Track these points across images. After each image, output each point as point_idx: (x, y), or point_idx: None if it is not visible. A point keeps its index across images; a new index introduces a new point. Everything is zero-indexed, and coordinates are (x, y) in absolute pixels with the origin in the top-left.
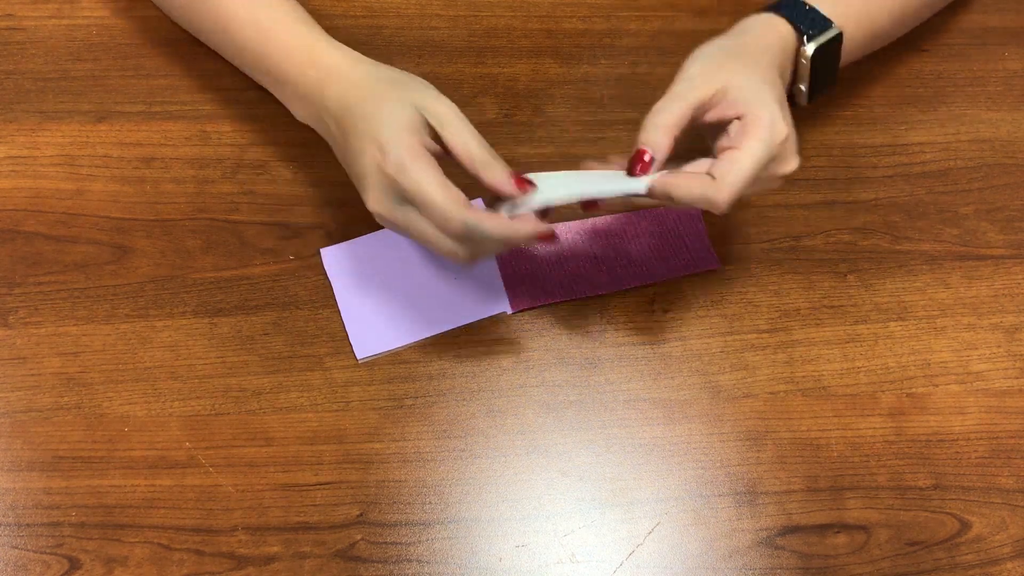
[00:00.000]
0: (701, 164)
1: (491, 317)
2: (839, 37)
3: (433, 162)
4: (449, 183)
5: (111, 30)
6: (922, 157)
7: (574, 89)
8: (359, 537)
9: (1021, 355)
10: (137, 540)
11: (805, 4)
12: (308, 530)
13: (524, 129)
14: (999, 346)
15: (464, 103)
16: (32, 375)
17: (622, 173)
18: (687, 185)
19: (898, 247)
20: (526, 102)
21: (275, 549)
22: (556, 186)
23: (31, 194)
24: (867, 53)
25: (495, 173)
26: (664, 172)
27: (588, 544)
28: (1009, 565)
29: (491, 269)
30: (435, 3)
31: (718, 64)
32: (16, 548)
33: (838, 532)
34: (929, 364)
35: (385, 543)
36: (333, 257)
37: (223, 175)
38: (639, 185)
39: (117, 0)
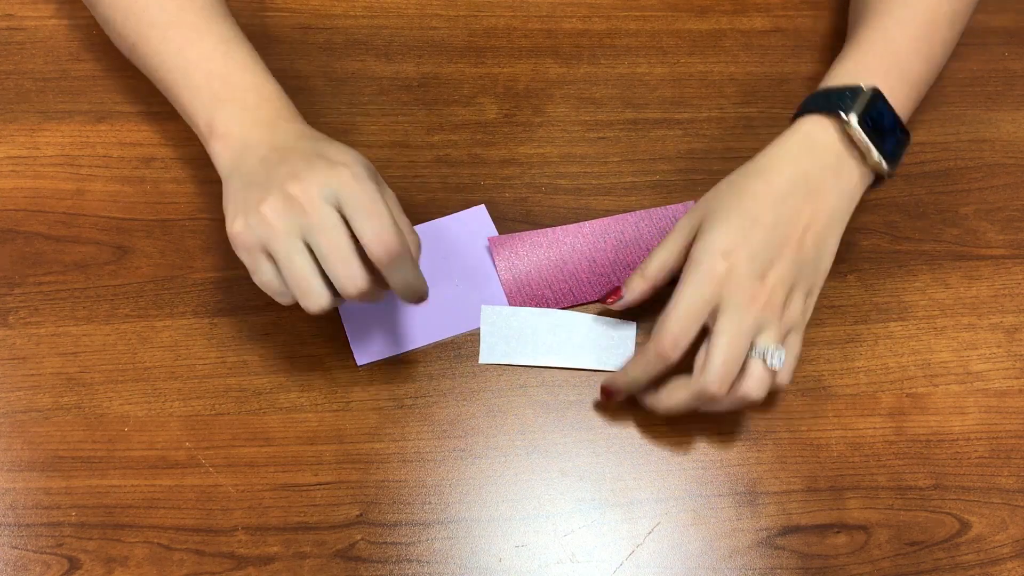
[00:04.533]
0: None
1: None
2: (878, 94)
3: None
4: None
5: None
6: (922, 157)
7: (574, 89)
8: (359, 537)
9: (1021, 355)
10: (137, 540)
11: (825, 90)
12: (308, 530)
13: (524, 129)
14: (999, 346)
15: (464, 103)
16: (32, 375)
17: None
18: (635, 365)
19: (898, 247)
20: (526, 102)
21: (275, 549)
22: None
23: (31, 194)
24: (920, 98)
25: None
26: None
27: (588, 544)
28: (1009, 565)
29: (492, 276)
30: (435, 3)
31: (711, 199)
32: (16, 548)
33: (838, 532)
34: (929, 364)
35: (385, 543)
36: None
37: None
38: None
39: None
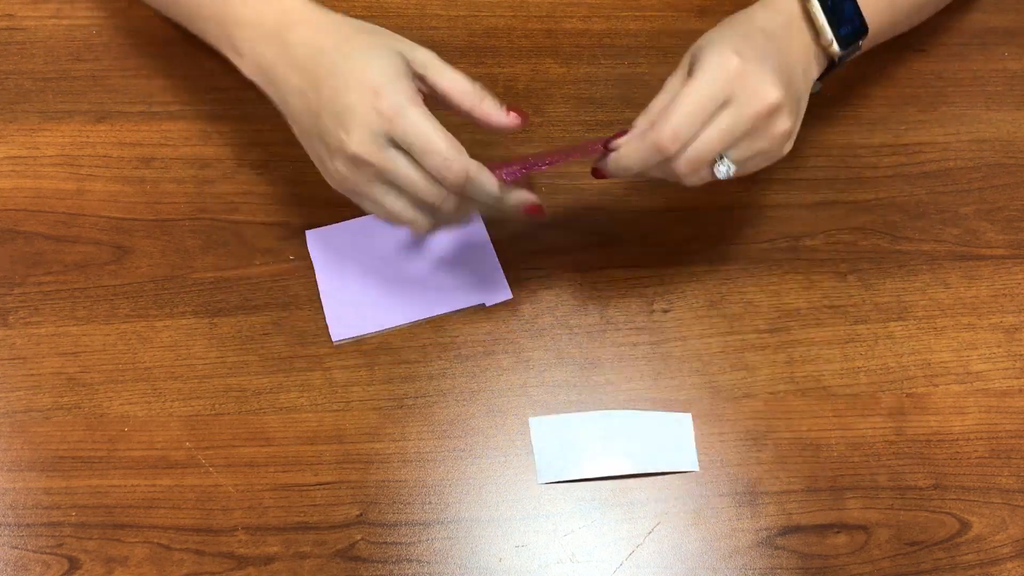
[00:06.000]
0: None
1: (489, 318)
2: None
3: (428, 110)
4: (449, 133)
5: (111, 30)
6: (922, 157)
7: (574, 89)
8: (359, 537)
9: (1021, 355)
10: (137, 540)
11: None
12: (308, 530)
13: (524, 129)
14: (999, 346)
15: None
16: (32, 375)
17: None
18: (631, 150)
19: (898, 247)
20: (526, 102)
21: (275, 549)
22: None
23: (31, 194)
24: (896, 23)
25: (489, 105)
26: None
27: (588, 544)
28: (1009, 565)
29: (475, 259)
30: (435, 3)
31: (697, 42)
32: (16, 548)
33: (838, 532)
34: (929, 364)
35: (385, 543)
36: (318, 239)
37: (223, 175)
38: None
39: (116, 0)
